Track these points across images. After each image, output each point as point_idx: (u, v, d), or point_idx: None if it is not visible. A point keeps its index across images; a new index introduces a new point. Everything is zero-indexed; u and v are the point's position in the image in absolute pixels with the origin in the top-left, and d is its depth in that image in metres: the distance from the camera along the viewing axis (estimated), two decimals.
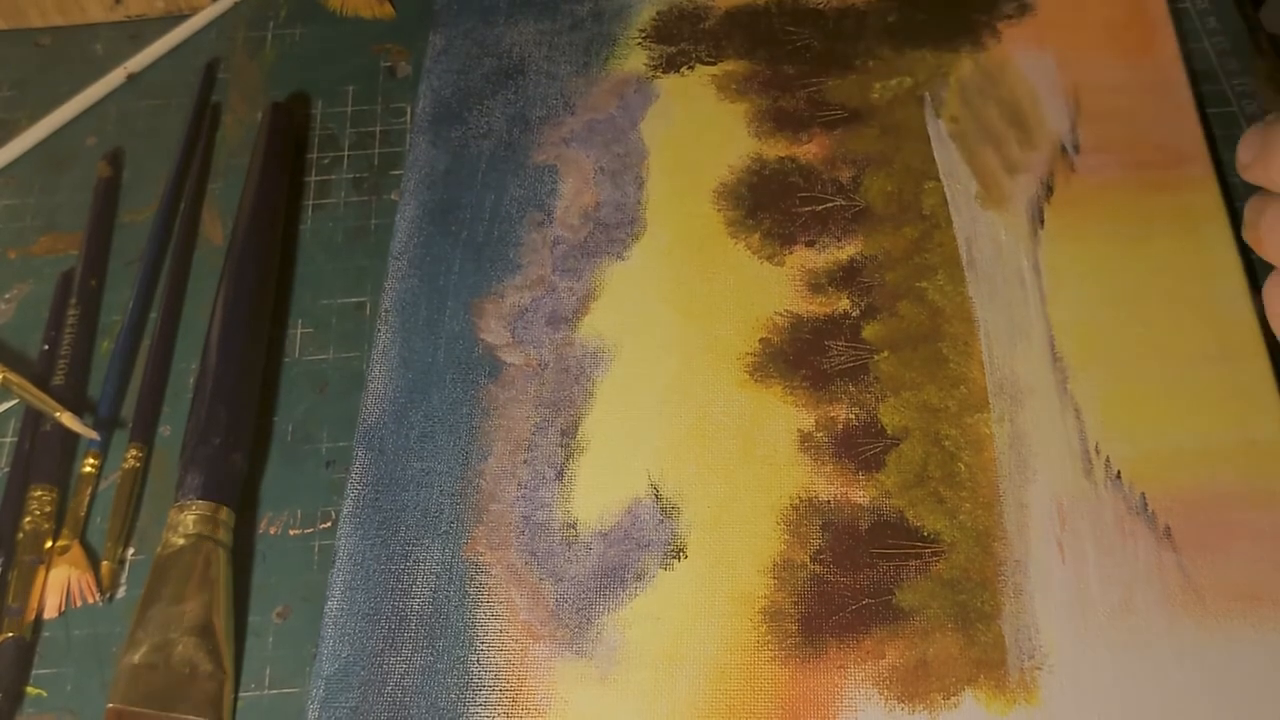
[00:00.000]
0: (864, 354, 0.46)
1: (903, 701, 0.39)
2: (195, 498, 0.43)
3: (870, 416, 0.45)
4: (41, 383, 0.47)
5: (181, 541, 0.43)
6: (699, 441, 0.45)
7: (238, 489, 0.45)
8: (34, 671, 0.43)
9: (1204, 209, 0.49)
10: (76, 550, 0.44)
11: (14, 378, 0.46)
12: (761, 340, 0.47)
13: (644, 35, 0.56)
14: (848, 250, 0.49)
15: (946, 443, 0.44)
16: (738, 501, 0.43)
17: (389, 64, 0.58)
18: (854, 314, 0.47)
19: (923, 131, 0.52)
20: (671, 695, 0.40)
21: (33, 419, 0.47)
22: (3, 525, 0.44)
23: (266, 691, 0.42)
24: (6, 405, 0.48)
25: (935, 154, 0.51)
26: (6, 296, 0.51)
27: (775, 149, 0.52)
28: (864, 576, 0.42)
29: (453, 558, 0.43)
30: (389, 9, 0.59)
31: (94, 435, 0.46)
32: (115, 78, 0.58)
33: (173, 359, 0.49)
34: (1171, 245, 0.48)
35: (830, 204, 0.50)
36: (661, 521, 0.43)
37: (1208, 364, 0.45)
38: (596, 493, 0.44)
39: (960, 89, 0.52)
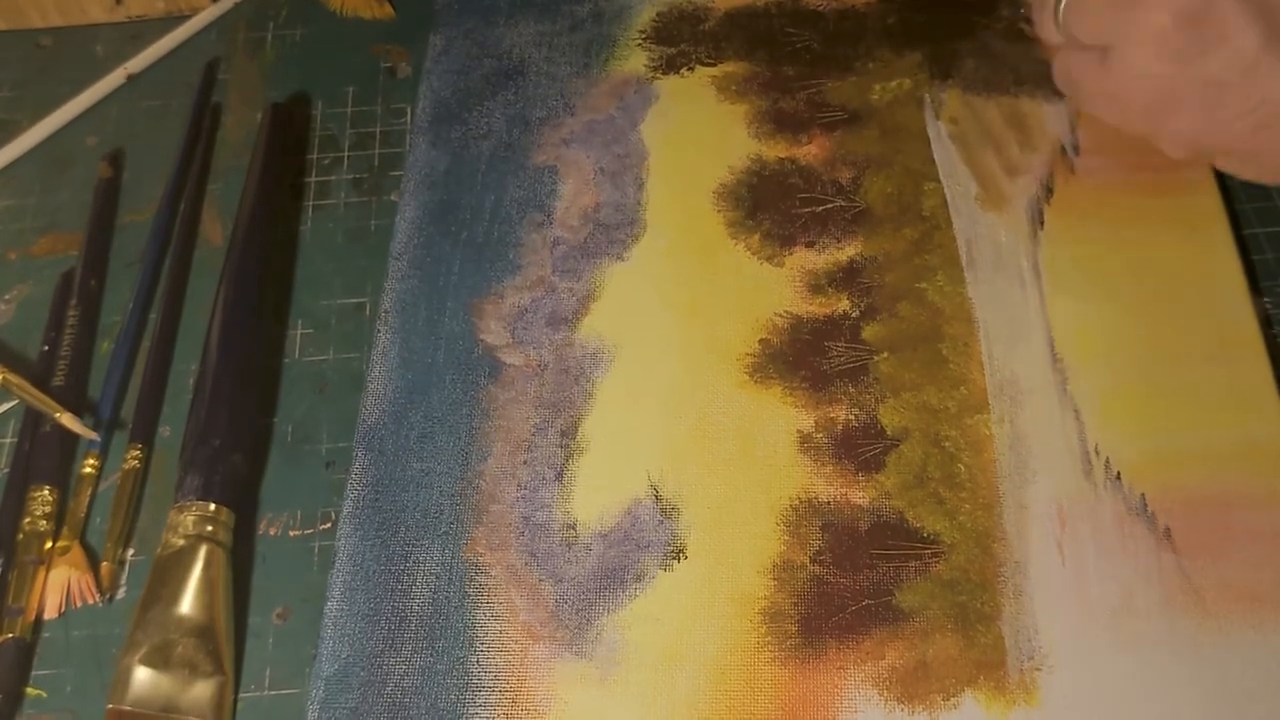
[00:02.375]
0: (864, 355, 0.46)
1: (902, 702, 0.39)
2: (195, 498, 0.43)
3: (870, 417, 0.45)
4: (41, 383, 0.47)
5: (181, 542, 0.43)
6: (699, 442, 0.45)
7: (237, 490, 0.45)
8: (34, 672, 0.42)
9: (1203, 211, 0.49)
10: (76, 551, 0.44)
11: (14, 378, 0.46)
12: (761, 341, 0.47)
13: (644, 36, 0.56)
14: (847, 251, 0.49)
15: (946, 444, 0.44)
16: (737, 502, 0.43)
17: (389, 65, 0.58)
18: (854, 315, 0.47)
19: (923, 133, 0.52)
20: (671, 696, 0.40)
21: (33, 420, 0.47)
22: (3, 526, 0.44)
23: (266, 692, 0.42)
24: (6, 406, 0.48)
25: (935, 155, 0.51)
26: (6, 297, 0.51)
27: (775, 150, 0.52)
28: (864, 577, 0.41)
29: (453, 558, 0.43)
30: (389, 9, 0.59)
31: (94, 436, 0.46)
32: (115, 78, 0.58)
33: (173, 360, 0.49)
34: (1171, 246, 0.48)
35: (830, 205, 0.50)
36: (661, 522, 0.43)
37: (1208, 365, 0.45)
38: (596, 493, 0.44)
39: (960, 91, 0.53)
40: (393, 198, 0.53)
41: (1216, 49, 0.36)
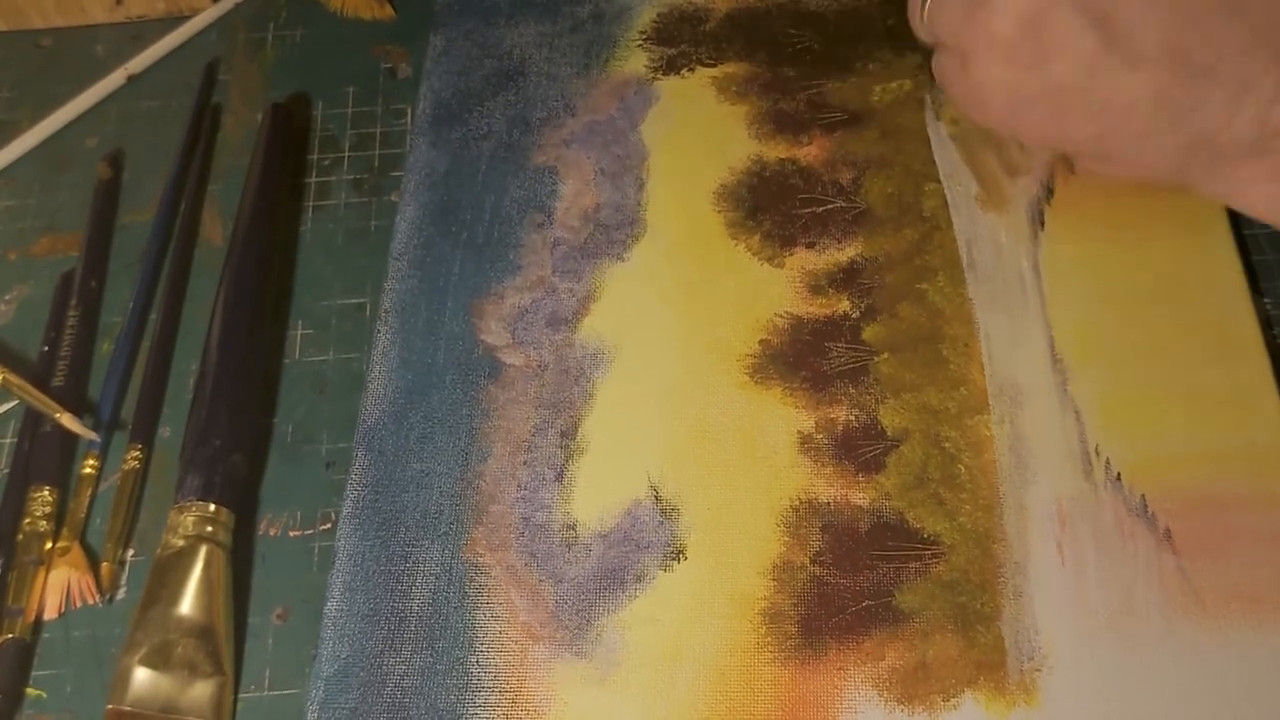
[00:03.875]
0: (864, 355, 0.46)
1: (902, 703, 0.39)
2: (195, 499, 0.43)
3: (870, 418, 0.45)
4: (41, 384, 0.47)
5: (181, 543, 0.43)
6: (699, 443, 0.45)
7: (237, 490, 0.45)
8: (34, 673, 0.42)
9: (1203, 210, 0.49)
10: (76, 551, 0.44)
11: (14, 379, 0.46)
12: (761, 342, 0.47)
13: (644, 37, 0.56)
14: (848, 252, 0.49)
15: (946, 444, 0.44)
16: (737, 503, 0.43)
17: (389, 65, 0.58)
18: (854, 315, 0.47)
19: (923, 133, 0.52)
20: (671, 697, 0.40)
21: (33, 420, 0.47)
22: (3, 526, 0.44)
23: (266, 693, 0.42)
24: (6, 406, 0.48)
25: (936, 156, 0.51)
26: (6, 298, 0.51)
27: (776, 151, 0.52)
28: (864, 578, 0.41)
29: (452, 559, 0.43)
30: (389, 10, 0.59)
31: (94, 436, 0.46)
32: (116, 79, 0.58)
33: (173, 360, 0.49)
34: (1171, 247, 0.48)
35: (830, 206, 0.50)
36: (661, 523, 0.43)
37: (1208, 365, 0.45)
38: (596, 494, 0.44)
39: None
40: (393, 198, 0.53)
41: (1058, 55, 0.37)
